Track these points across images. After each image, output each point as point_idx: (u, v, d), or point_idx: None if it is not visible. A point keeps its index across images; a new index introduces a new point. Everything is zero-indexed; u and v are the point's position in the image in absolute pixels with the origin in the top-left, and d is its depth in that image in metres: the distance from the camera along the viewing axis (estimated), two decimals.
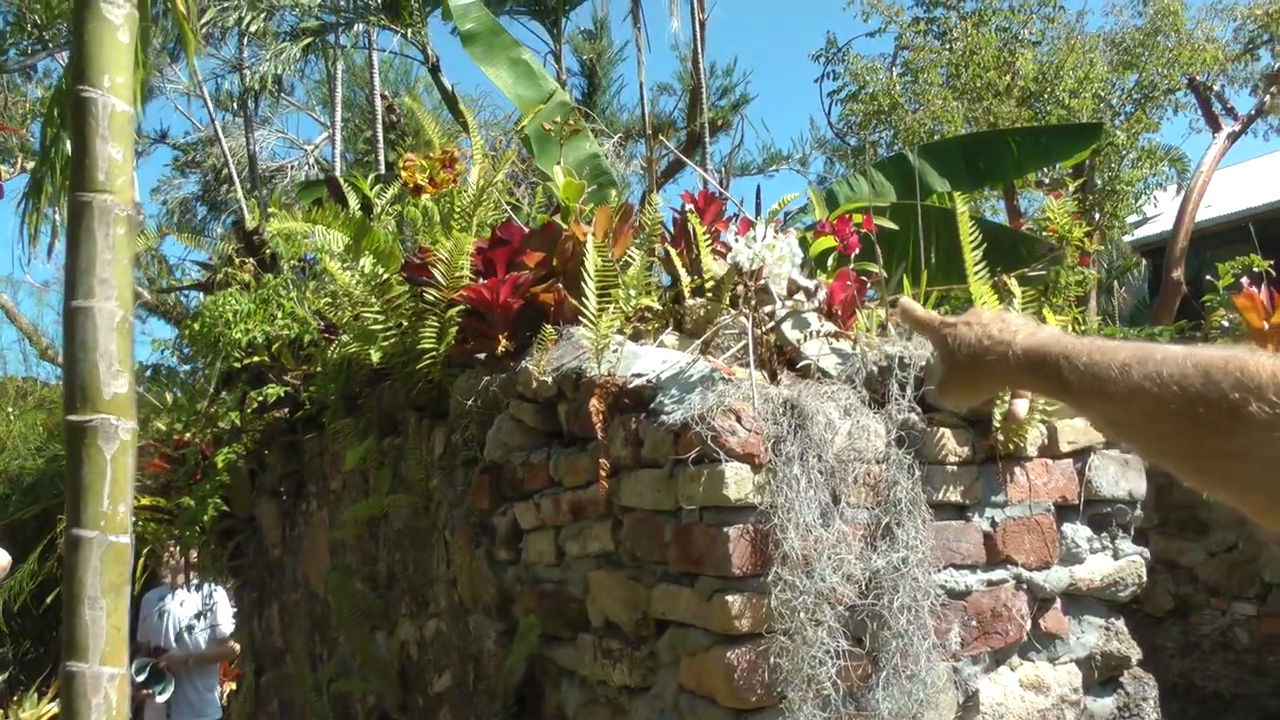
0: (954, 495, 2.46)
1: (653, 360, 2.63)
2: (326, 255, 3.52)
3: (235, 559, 5.96)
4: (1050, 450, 2.63)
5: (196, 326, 4.04)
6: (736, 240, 2.50)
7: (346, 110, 12.75)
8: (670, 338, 2.94)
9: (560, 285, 3.15)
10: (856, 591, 2.26)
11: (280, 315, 3.95)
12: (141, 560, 7.85)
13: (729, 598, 2.21)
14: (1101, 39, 11.44)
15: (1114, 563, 2.69)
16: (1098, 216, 11.28)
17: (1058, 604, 2.60)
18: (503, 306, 3.21)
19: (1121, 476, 2.72)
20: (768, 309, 2.79)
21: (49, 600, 9.16)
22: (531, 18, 11.34)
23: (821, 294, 2.87)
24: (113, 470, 2.14)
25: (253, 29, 8.79)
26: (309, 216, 3.26)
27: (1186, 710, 5.27)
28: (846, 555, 2.24)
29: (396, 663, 3.85)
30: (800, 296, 2.91)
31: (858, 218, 2.84)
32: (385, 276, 3.48)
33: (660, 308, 3.08)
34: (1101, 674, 2.64)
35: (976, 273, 2.77)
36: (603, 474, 2.47)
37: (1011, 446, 2.52)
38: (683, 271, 3.00)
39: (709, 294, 3.02)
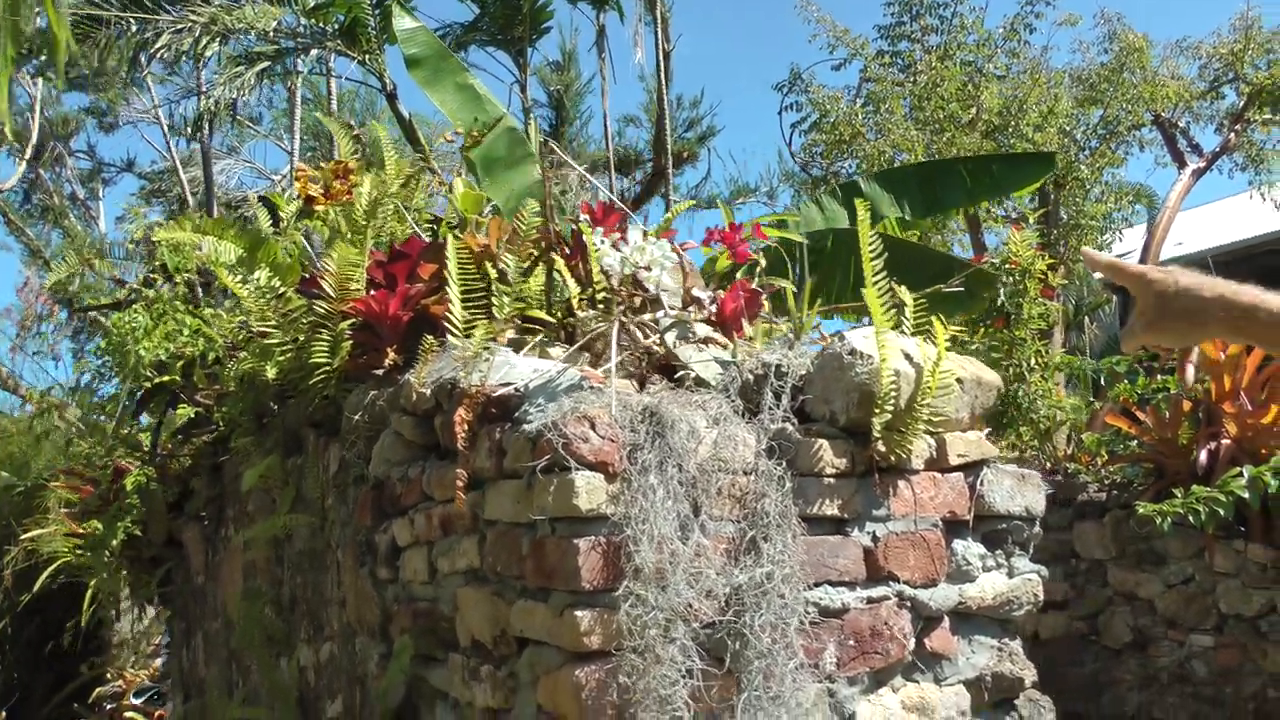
0: (831, 509, 2.35)
1: (525, 370, 2.52)
2: (222, 268, 3.42)
3: (165, 586, 5.82)
4: (939, 463, 2.53)
5: (104, 345, 3.92)
6: (602, 244, 2.40)
7: (313, 139, 12.69)
8: (558, 350, 2.84)
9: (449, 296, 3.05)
10: (717, 608, 2.14)
11: (186, 332, 3.83)
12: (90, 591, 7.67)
13: (579, 613, 2.09)
14: (1067, 75, 11.45)
15: (1008, 581, 2.58)
16: (1062, 250, 11.24)
17: (945, 623, 2.48)
18: (392, 319, 3.11)
19: (1018, 492, 2.62)
20: (656, 317, 2.70)
21: None
22: (497, 48, 11.31)
23: (714, 305, 2.78)
24: None
25: (208, 53, 8.72)
26: (197, 227, 3.15)
27: None
28: (706, 570, 2.13)
29: (296, 689, 3.72)
30: (694, 308, 2.82)
31: (748, 228, 2.76)
32: (282, 290, 3.38)
33: (553, 319, 2.98)
34: (993, 696, 2.53)
35: (875, 283, 2.67)
36: (459, 484, 2.35)
37: (894, 458, 2.41)
38: (572, 283, 2.90)
39: (600, 305, 2.92)
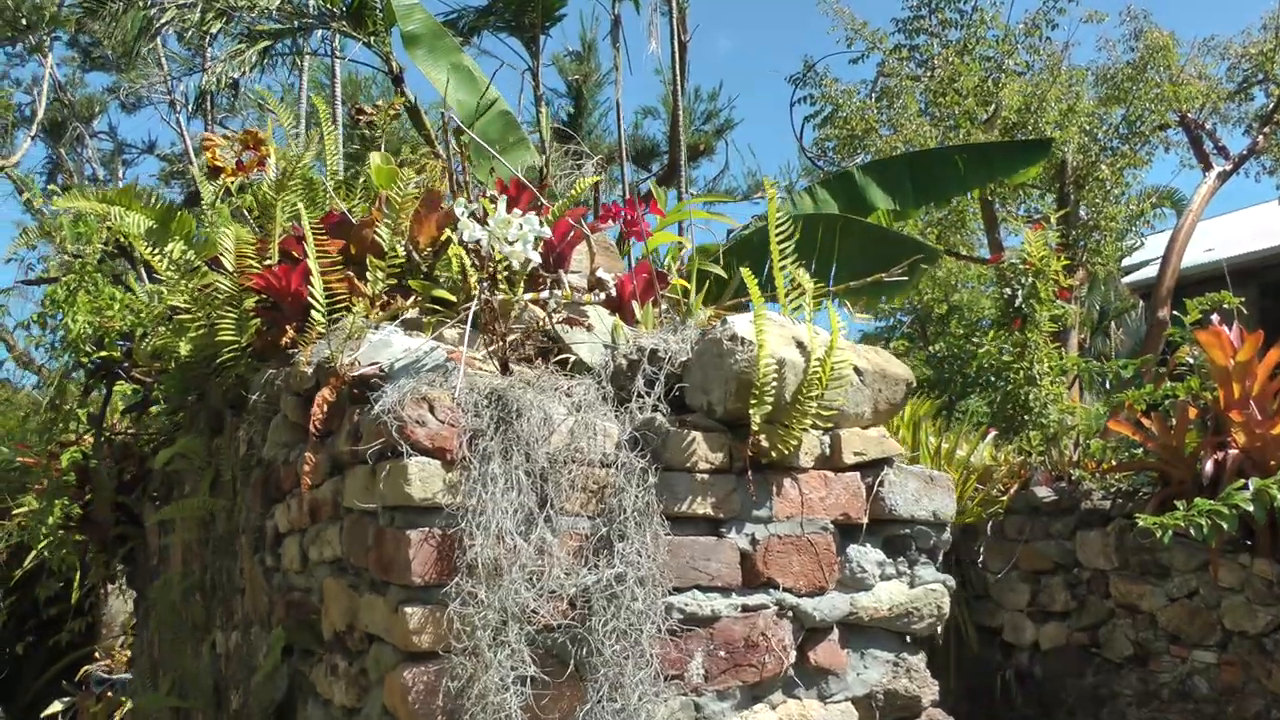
0: (703, 507, 2.19)
1: (399, 349, 2.38)
2: (139, 240, 3.30)
3: (129, 565, 5.74)
4: (832, 462, 2.36)
5: (34, 317, 3.82)
6: (463, 215, 2.25)
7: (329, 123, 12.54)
8: (451, 331, 2.69)
9: (351, 274, 2.92)
10: (561, 610, 1.99)
11: (116, 306, 3.72)
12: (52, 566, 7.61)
13: (409, 609, 1.95)
14: (1090, 72, 11.18)
15: (909, 591, 2.41)
16: (1080, 251, 10.99)
17: (834, 635, 2.31)
18: (294, 295, 2.97)
19: (924, 494, 2.45)
20: (541, 297, 2.55)
21: None
22: (510, 34, 11.17)
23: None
24: None
25: (213, 29, 8.66)
26: (103, 197, 3.03)
27: None
28: (551, 568, 1.98)
29: (211, 677, 3.60)
30: (598, 290, 2.67)
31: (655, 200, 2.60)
32: (196, 264, 3.26)
33: (455, 299, 2.84)
34: (886, 714, 2.35)
35: (781, 265, 2.50)
36: (306, 468, 2.21)
37: (776, 454, 2.24)
38: (469, 262, 2.75)
39: (503, 284, 2.77)
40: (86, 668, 8.87)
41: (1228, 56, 11.20)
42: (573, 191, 2.76)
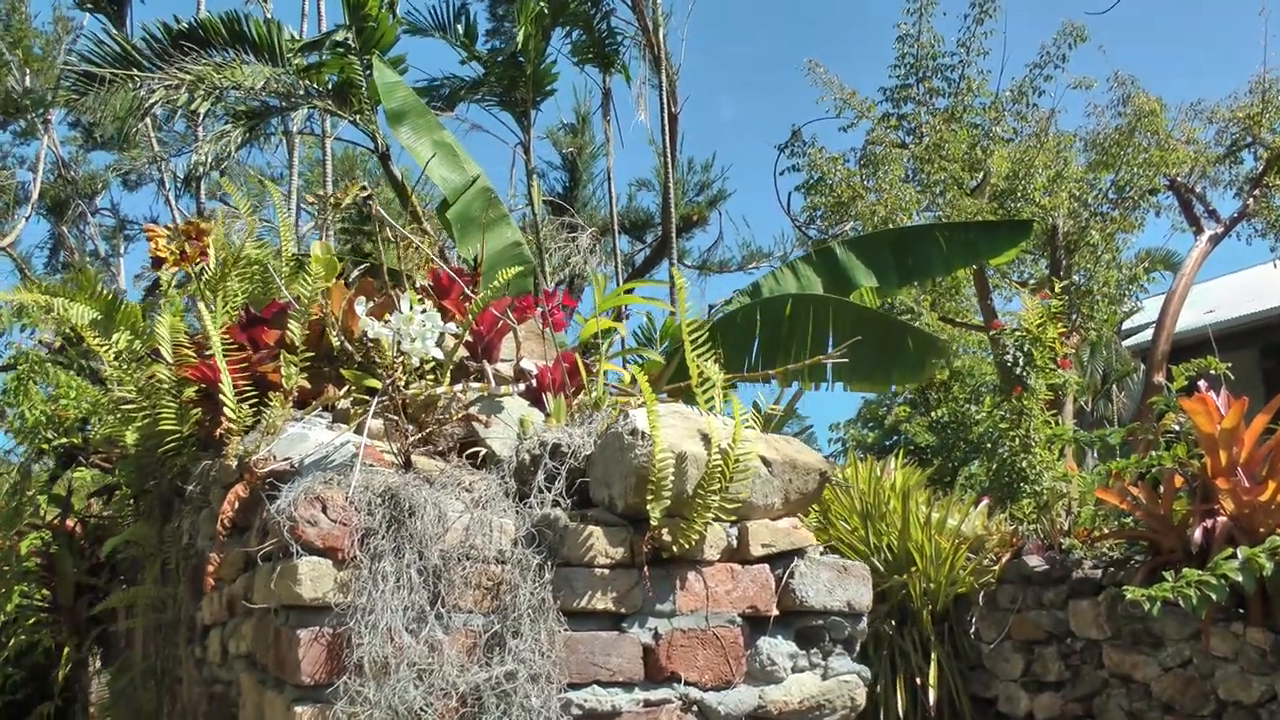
0: (604, 602, 2.20)
1: (313, 443, 2.41)
2: (87, 330, 3.35)
3: (103, 648, 5.74)
4: (739, 554, 2.36)
5: None
6: (363, 313, 2.29)
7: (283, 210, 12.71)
8: (376, 422, 2.72)
9: (279, 364, 2.96)
10: (451, 709, 2.00)
11: (72, 394, 3.77)
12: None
13: (298, 709, 1.96)
14: (1078, 138, 11.26)
15: (821, 684, 2.40)
16: (1074, 318, 11.00)
17: None
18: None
19: (837, 585, 2.45)
20: (455, 392, 2.58)
21: None
22: (501, 109, 11.33)
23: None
24: None
25: (201, 109, 8.81)
26: (46, 289, 3.09)
27: None
28: (441, 666, 1.99)
29: None
30: (521, 381, 2.70)
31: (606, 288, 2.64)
32: (140, 354, 3.31)
33: (381, 387, 2.87)
34: None
35: (695, 353, 2.52)
36: (210, 568, 2.24)
37: (677, 548, 2.25)
38: (375, 358, 2.79)
39: (429, 377, 2.81)
40: None
41: (1215, 120, 11.27)
42: (496, 282, 2.79)
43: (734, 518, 2.35)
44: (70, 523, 4.94)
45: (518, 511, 2.18)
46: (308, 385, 2.85)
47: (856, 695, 2.43)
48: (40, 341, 4.06)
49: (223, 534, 2.28)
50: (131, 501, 4.51)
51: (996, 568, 5.57)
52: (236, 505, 2.31)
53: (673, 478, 2.21)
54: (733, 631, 2.32)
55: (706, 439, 2.30)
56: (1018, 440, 6.63)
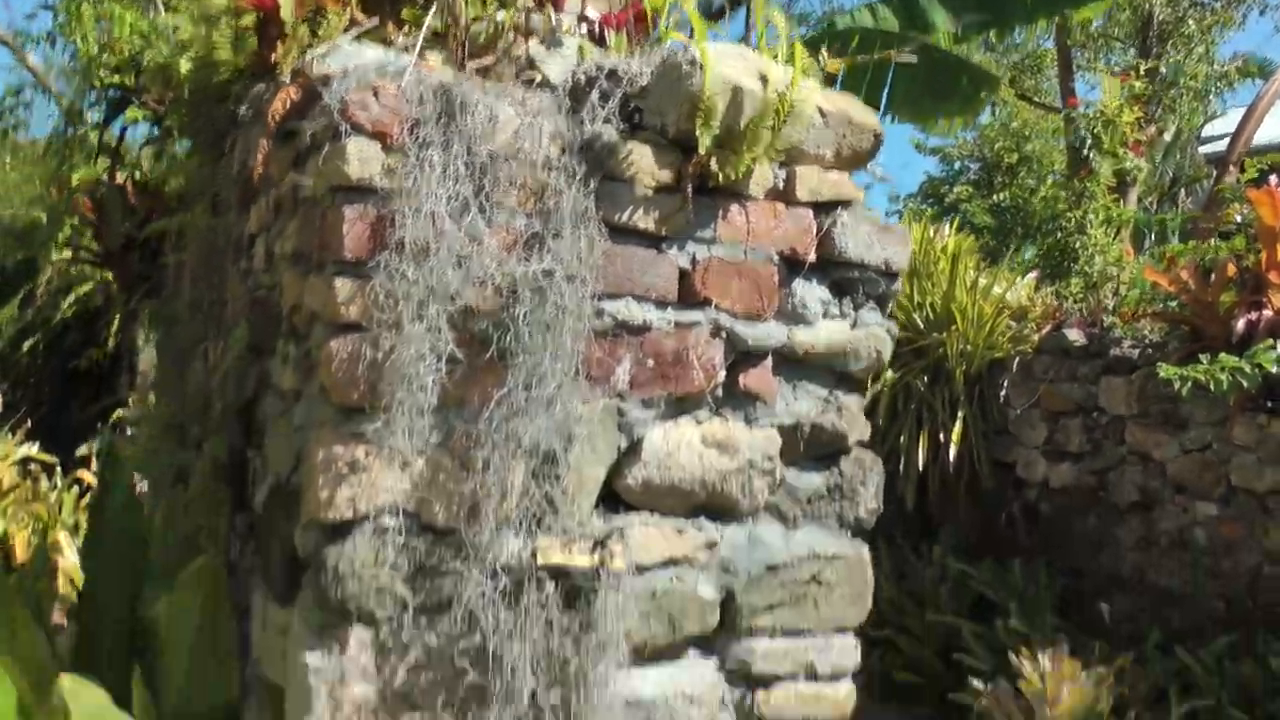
0: (646, 222, 2.22)
1: (369, 58, 2.40)
2: None
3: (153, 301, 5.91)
4: (785, 195, 2.36)
5: (44, 37, 3.85)
6: None
7: None
8: (434, 54, 2.70)
9: None
10: (485, 296, 2.05)
11: (129, 29, 3.74)
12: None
13: (338, 281, 2.03)
14: None
15: (850, 332, 2.44)
16: (1155, 109, 10.64)
17: (767, 362, 2.36)
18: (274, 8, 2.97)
19: (877, 241, 2.45)
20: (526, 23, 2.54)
21: (26, 347, 9.31)
22: None
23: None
24: None
25: None
26: None
27: (1136, 603, 5.09)
28: (480, 255, 2.03)
29: (200, 390, 3.75)
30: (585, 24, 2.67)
31: None
32: None
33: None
34: (811, 449, 2.42)
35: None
36: (260, 155, 2.27)
37: (723, 179, 2.25)
38: None
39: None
40: (120, 411, 9.23)
41: None
42: None
43: (783, 158, 2.34)
44: (121, 177, 5.00)
45: (569, 125, 2.18)
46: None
47: (883, 348, 2.47)
48: None
49: (273, 127, 2.30)
50: (182, 151, 4.55)
51: (1036, 338, 5.58)
52: (288, 103, 2.32)
53: (725, 108, 2.19)
54: (769, 268, 2.35)
55: (764, 79, 2.27)
56: (1073, 221, 6.54)
